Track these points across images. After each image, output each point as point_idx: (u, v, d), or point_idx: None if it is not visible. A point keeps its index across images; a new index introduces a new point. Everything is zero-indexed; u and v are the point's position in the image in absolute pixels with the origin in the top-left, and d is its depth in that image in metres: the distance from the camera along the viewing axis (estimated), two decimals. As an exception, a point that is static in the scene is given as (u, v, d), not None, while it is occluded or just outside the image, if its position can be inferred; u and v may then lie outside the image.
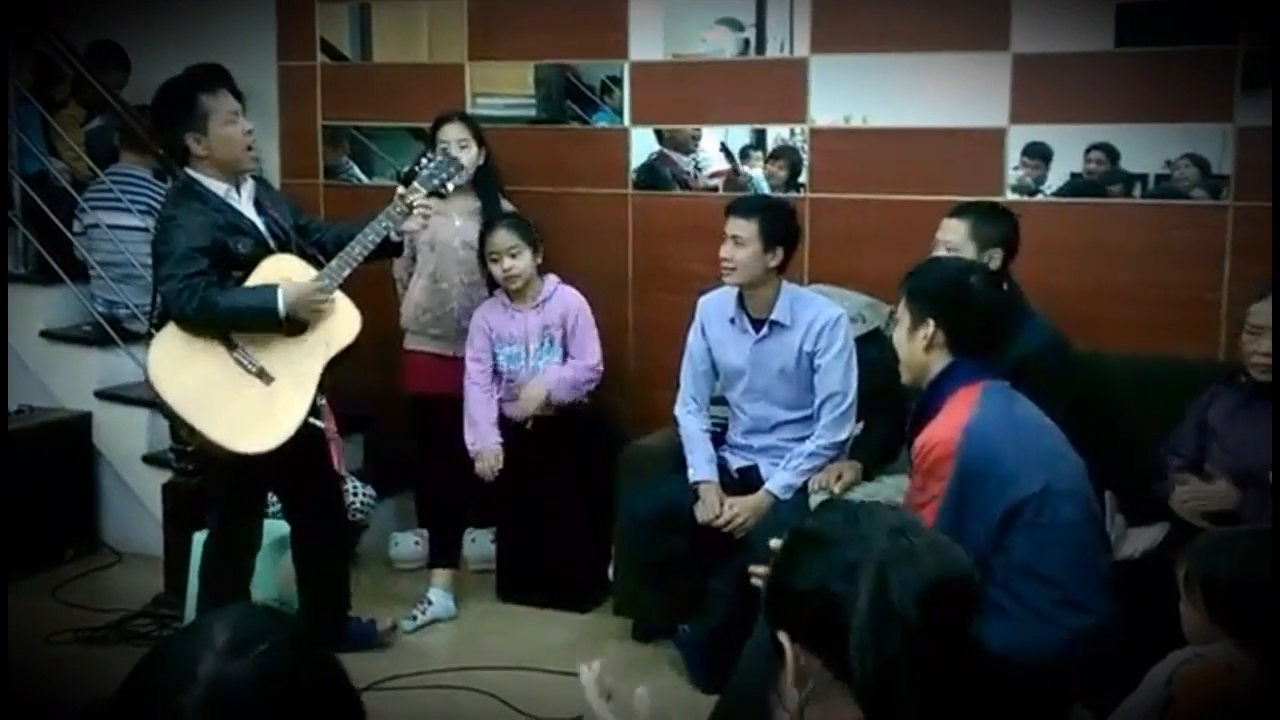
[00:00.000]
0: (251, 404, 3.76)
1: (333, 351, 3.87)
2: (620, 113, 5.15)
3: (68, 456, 5.21)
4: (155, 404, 3.90)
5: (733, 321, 4.18)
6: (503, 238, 4.55)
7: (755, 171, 4.96)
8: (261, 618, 1.28)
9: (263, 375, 3.80)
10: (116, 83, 5.48)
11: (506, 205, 4.81)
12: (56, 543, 5.14)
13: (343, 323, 3.90)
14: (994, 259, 3.83)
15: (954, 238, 3.86)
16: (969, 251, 3.80)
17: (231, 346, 3.79)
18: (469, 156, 4.61)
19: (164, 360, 3.77)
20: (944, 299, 2.97)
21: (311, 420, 3.84)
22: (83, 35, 5.57)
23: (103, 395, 5.26)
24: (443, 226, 4.65)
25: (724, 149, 5.02)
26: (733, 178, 4.99)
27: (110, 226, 5.22)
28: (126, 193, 5.26)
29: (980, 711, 1.61)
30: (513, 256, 4.55)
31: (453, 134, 4.68)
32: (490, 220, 4.63)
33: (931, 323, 2.94)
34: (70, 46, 5.35)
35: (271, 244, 3.91)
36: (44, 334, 5.42)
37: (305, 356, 3.84)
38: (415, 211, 4.00)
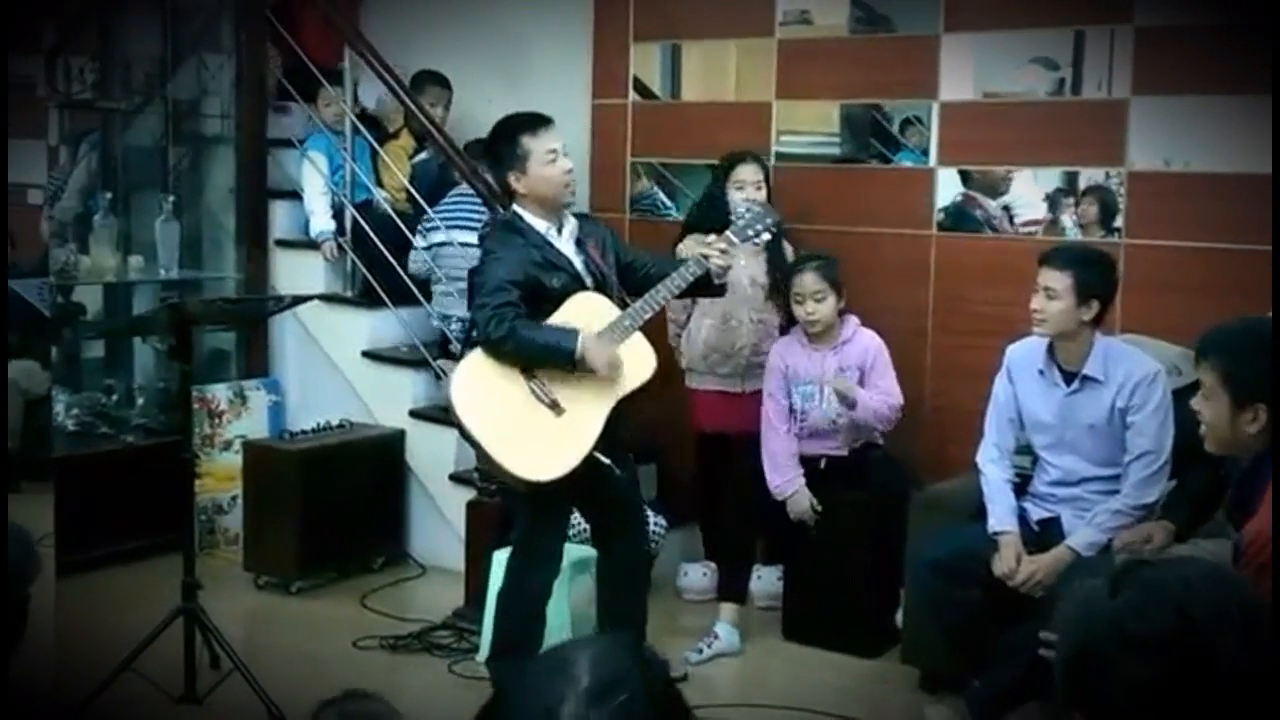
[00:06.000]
0: (540, 433, 3.86)
1: (624, 391, 3.93)
2: (924, 151, 5.09)
3: (382, 471, 5.50)
4: (454, 424, 4.04)
5: (1042, 373, 4.03)
6: (810, 281, 4.58)
7: (1065, 217, 4.82)
8: (624, 659, 1.27)
9: (555, 407, 3.89)
10: (436, 98, 5.78)
11: (786, 246, 4.86)
12: (367, 552, 5.44)
13: (637, 364, 3.95)
14: None
15: None
16: None
17: (530, 376, 3.90)
18: (761, 197, 4.69)
19: (465, 383, 3.92)
20: (1274, 380, 2.70)
21: (598, 456, 3.89)
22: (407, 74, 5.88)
23: (416, 414, 5.53)
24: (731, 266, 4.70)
25: (1046, 199, 4.88)
26: (1049, 225, 4.85)
27: (461, 244, 5.35)
28: (472, 212, 5.43)
29: None
30: (817, 301, 4.57)
31: (748, 175, 4.77)
32: (802, 261, 4.68)
33: (1263, 408, 2.69)
34: (402, 83, 5.68)
35: (586, 281, 4.01)
36: (365, 354, 5.72)
37: (598, 394, 3.91)
38: (716, 261, 4.02)
